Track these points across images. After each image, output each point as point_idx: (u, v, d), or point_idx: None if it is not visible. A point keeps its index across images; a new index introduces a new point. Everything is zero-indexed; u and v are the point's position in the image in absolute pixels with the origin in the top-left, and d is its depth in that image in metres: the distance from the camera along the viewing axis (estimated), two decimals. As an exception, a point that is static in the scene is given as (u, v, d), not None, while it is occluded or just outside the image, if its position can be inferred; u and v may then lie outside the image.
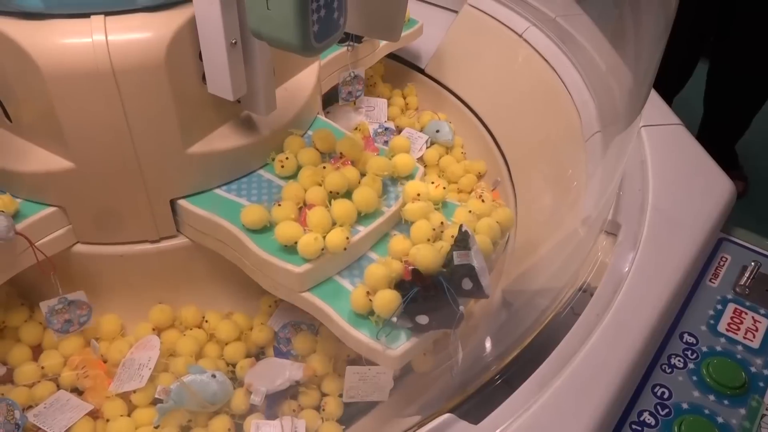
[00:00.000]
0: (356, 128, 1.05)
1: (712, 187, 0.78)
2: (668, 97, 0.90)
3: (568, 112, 0.92)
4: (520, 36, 1.05)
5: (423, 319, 0.64)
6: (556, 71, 0.98)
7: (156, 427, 0.70)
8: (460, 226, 0.68)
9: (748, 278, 0.70)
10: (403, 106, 1.18)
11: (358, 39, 1.00)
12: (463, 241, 0.67)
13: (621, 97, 0.81)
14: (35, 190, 0.71)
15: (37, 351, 0.77)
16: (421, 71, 1.19)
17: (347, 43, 0.98)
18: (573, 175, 0.87)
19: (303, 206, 0.72)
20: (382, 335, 0.64)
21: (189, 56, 0.66)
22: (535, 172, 0.97)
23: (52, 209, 0.71)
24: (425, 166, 1.07)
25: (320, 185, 0.72)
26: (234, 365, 0.77)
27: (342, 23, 0.61)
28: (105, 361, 0.76)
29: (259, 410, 0.72)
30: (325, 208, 0.70)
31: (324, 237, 0.67)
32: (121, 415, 0.72)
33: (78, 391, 0.74)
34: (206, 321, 0.81)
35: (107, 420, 0.71)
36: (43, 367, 0.74)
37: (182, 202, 0.74)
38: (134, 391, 0.72)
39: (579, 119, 0.90)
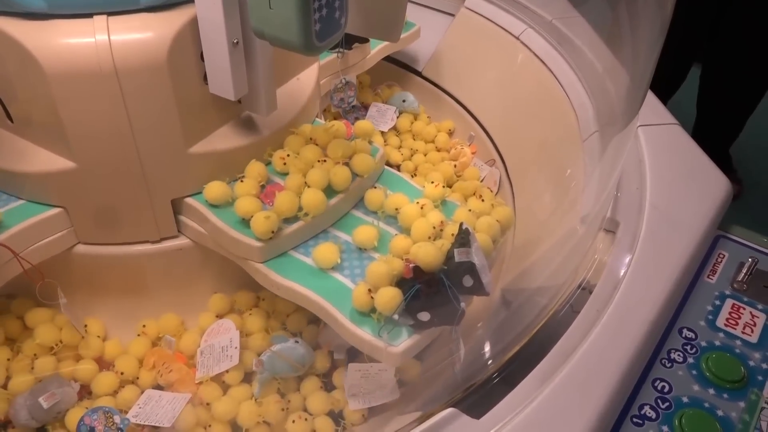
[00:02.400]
0: (325, 110, 1.08)
1: (708, 184, 0.79)
2: (662, 100, 0.92)
3: (566, 113, 0.93)
4: (517, 38, 1.06)
5: (424, 316, 0.65)
6: (553, 73, 0.99)
7: (257, 399, 0.73)
8: (461, 223, 0.69)
9: (745, 274, 0.71)
10: (358, 84, 1.19)
11: (348, 46, 1.01)
12: (463, 238, 0.67)
13: (618, 98, 0.82)
14: (37, 190, 0.71)
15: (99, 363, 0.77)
16: (419, 74, 1.20)
17: (337, 50, 0.99)
18: (571, 175, 0.88)
19: (266, 184, 0.75)
20: (384, 332, 0.64)
21: (191, 56, 0.67)
22: (534, 172, 0.98)
23: (53, 210, 0.72)
24: (399, 134, 1.16)
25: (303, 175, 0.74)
26: (299, 334, 0.80)
27: (343, 23, 0.61)
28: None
29: (343, 364, 0.75)
30: (296, 194, 0.72)
31: (278, 217, 0.69)
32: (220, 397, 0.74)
33: (159, 388, 0.75)
34: (263, 299, 0.83)
35: (207, 404, 0.73)
36: (122, 373, 0.75)
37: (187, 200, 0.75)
38: (227, 371, 0.74)
39: (576, 120, 0.91)
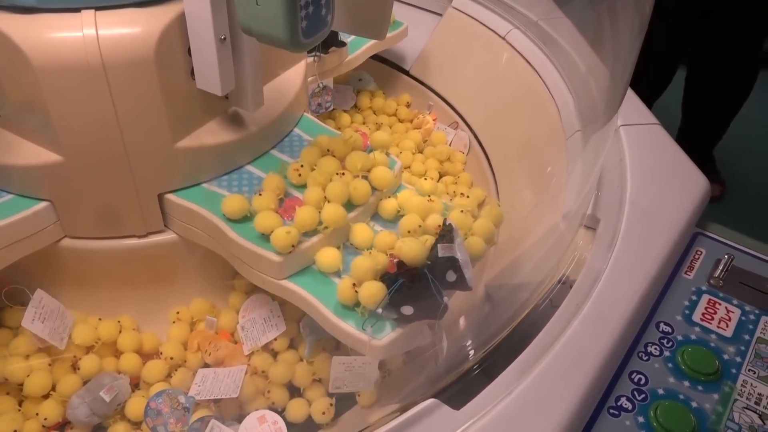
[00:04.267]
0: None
1: (687, 183, 0.81)
2: (648, 102, 0.94)
3: (550, 112, 0.94)
4: (503, 38, 1.07)
5: (408, 310, 0.65)
6: (538, 72, 1.01)
7: (308, 360, 0.76)
8: (444, 219, 0.70)
9: (722, 271, 0.73)
10: None
11: (325, 50, 1.01)
12: (447, 234, 0.68)
13: (599, 96, 0.83)
14: (24, 184, 0.72)
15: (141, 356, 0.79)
16: (406, 72, 1.21)
17: (314, 54, 0.98)
18: (555, 173, 0.90)
19: (284, 198, 0.74)
20: (368, 325, 0.65)
21: (178, 51, 0.67)
22: (518, 170, 0.99)
23: (40, 204, 0.72)
24: (361, 111, 1.19)
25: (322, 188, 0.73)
26: None
27: (329, 20, 0.62)
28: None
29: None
30: (316, 209, 0.70)
31: (299, 232, 0.68)
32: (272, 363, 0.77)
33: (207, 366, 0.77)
34: None
35: (262, 372, 0.75)
36: (172, 358, 0.77)
37: (169, 196, 0.75)
38: (275, 339, 0.77)
39: (560, 119, 0.92)
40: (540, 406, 0.55)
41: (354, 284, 0.66)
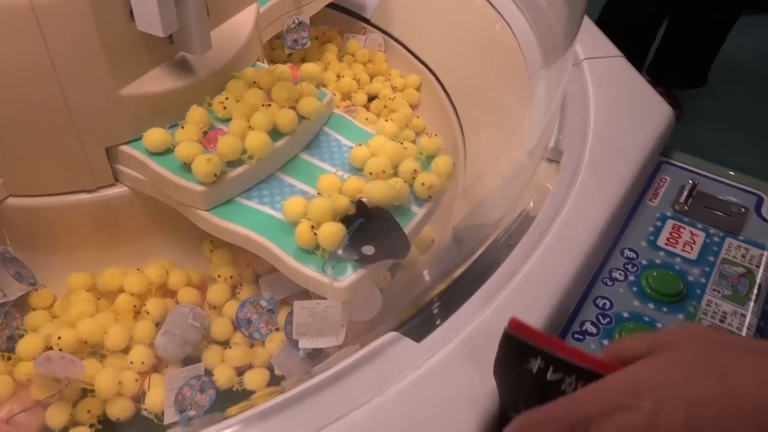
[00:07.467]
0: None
1: (651, 113, 0.79)
2: (637, 63, 0.92)
3: (513, 52, 0.92)
4: (464, -20, 1.04)
5: (369, 250, 0.64)
6: (500, 13, 0.98)
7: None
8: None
9: (686, 196, 0.72)
10: None
11: None
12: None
13: (557, 23, 0.81)
14: (-40, 139, 0.68)
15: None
16: (367, 21, 1.18)
17: None
18: (520, 114, 0.88)
19: (208, 130, 0.72)
20: (328, 267, 0.63)
21: (114, -10, 0.64)
22: (483, 114, 0.97)
23: (-22, 160, 0.69)
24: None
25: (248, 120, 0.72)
26: None
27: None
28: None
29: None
30: (239, 138, 0.70)
31: (220, 159, 0.67)
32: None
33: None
34: None
35: None
36: (231, 277, 0.77)
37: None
38: None
39: (523, 58, 0.90)
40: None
41: (312, 227, 0.64)
